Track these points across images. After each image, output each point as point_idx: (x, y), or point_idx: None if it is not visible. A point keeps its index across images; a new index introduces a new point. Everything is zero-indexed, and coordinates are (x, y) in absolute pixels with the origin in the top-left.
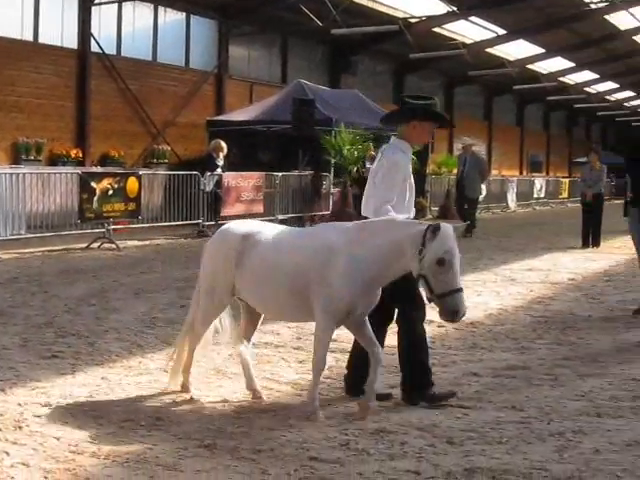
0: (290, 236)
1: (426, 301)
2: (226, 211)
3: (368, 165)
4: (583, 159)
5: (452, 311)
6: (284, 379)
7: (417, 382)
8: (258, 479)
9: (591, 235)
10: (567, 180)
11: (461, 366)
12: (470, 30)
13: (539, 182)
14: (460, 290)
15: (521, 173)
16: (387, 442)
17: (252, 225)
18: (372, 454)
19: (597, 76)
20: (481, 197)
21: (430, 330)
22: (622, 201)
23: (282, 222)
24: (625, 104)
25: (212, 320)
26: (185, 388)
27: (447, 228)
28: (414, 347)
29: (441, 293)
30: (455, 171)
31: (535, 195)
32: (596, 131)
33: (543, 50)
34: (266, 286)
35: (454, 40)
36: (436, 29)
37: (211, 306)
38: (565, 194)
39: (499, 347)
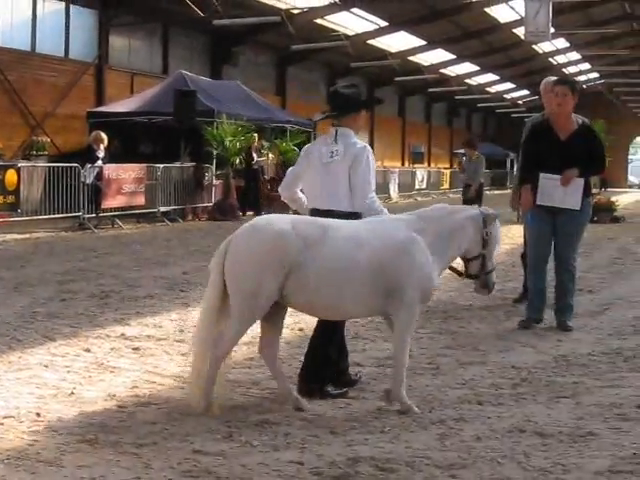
0: (356, 233)
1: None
2: (107, 203)
3: (256, 157)
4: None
5: (493, 284)
6: (167, 372)
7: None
8: (141, 473)
9: None
10: (448, 171)
11: None
12: (352, 22)
13: (421, 173)
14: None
15: (403, 164)
16: (271, 433)
17: (298, 221)
18: (256, 446)
19: (478, 68)
20: None
21: (313, 321)
22: (502, 192)
23: (164, 214)
24: (505, 96)
25: (246, 331)
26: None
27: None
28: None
29: (490, 270)
30: None
31: (417, 186)
32: (477, 122)
33: (424, 42)
34: (344, 287)
35: (336, 32)
36: (318, 20)
37: (251, 315)
38: (446, 185)
39: (381, 337)
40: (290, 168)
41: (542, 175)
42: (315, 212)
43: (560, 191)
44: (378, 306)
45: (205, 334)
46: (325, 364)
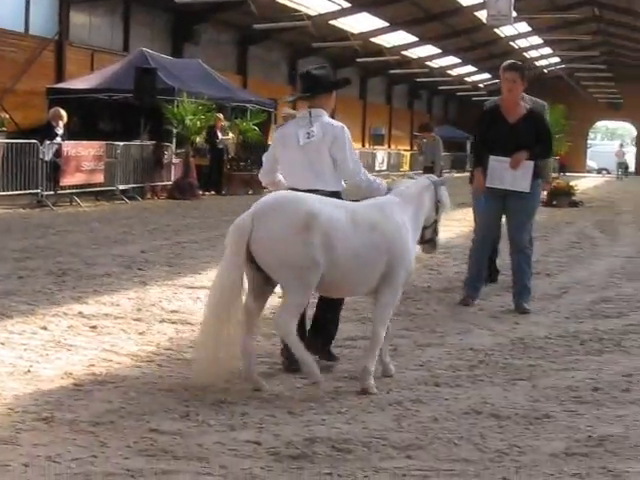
0: (368, 216)
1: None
2: (65, 180)
3: (221, 136)
4: None
5: (438, 245)
6: (124, 351)
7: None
8: (97, 451)
9: None
10: (408, 153)
11: None
12: (314, 2)
13: (381, 155)
14: None
15: (363, 146)
16: (228, 413)
17: (319, 201)
18: (212, 425)
19: (439, 51)
20: None
21: (272, 300)
22: (461, 174)
23: (123, 192)
24: (466, 79)
25: (307, 301)
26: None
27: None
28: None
29: (437, 232)
30: None
31: (377, 167)
32: (438, 105)
33: (386, 24)
34: (365, 269)
35: (298, 11)
36: (281, 0)
37: (308, 287)
38: (406, 167)
39: (340, 318)
40: (265, 154)
41: (492, 158)
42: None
43: (510, 174)
44: (374, 286)
45: (227, 313)
46: (333, 326)
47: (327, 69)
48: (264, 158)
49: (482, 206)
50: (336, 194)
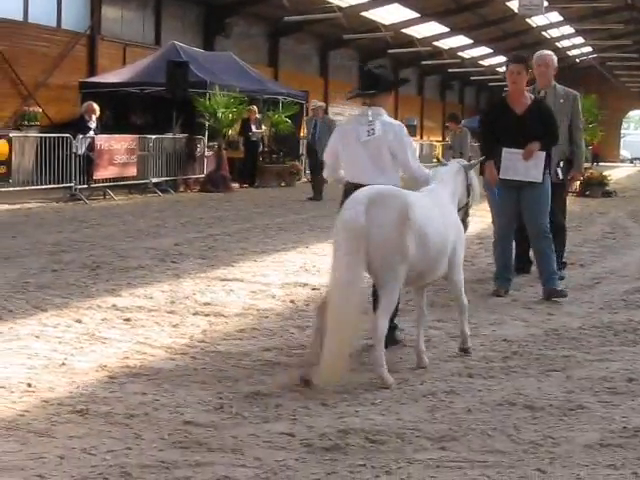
0: (435, 207)
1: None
2: (99, 174)
3: (254, 129)
4: None
5: (468, 226)
6: (157, 343)
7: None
8: (132, 444)
9: None
10: (440, 144)
11: None
12: None
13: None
14: None
15: None
16: (261, 405)
17: (405, 194)
18: (246, 417)
19: (471, 41)
20: None
21: (304, 293)
22: None
23: (156, 185)
24: (498, 69)
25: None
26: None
27: None
28: None
29: (467, 214)
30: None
31: None
32: (470, 95)
33: (418, 14)
34: (444, 252)
35: (329, 3)
36: None
37: (401, 282)
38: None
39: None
40: (325, 152)
41: (505, 150)
42: (359, 187)
43: (522, 165)
44: (446, 269)
45: (353, 315)
46: (395, 312)
47: (387, 68)
48: (325, 156)
49: (496, 198)
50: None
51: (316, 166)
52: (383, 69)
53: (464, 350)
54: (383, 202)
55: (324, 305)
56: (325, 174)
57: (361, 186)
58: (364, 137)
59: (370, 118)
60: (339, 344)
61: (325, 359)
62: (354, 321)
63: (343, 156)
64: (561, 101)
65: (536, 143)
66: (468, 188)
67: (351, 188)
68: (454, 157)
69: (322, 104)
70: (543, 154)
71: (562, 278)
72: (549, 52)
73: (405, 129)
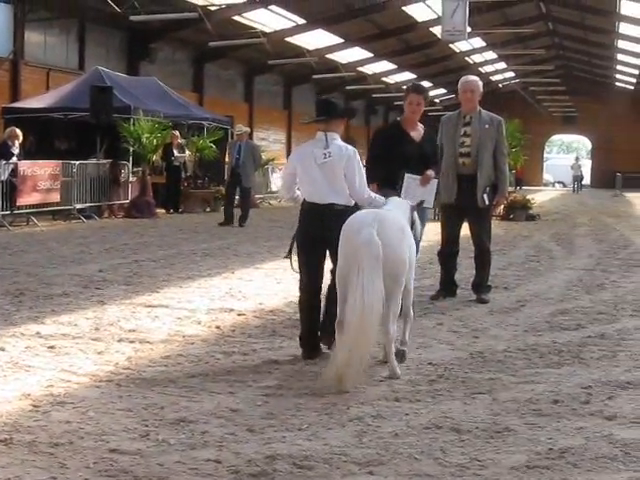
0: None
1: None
2: (22, 200)
3: (177, 154)
4: None
5: None
6: (82, 371)
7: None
8: (56, 473)
9: None
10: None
11: (261, 354)
12: (270, 19)
13: None
14: None
15: None
16: (188, 432)
17: (393, 213)
18: (173, 444)
19: (395, 66)
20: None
21: (230, 318)
22: None
23: (80, 211)
24: None
25: None
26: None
27: None
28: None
29: None
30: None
31: None
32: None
33: (342, 40)
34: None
35: (254, 29)
36: (236, 17)
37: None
38: None
39: (299, 334)
40: (282, 172)
41: (407, 175)
42: (314, 205)
43: (420, 190)
44: None
45: (376, 323)
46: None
47: (338, 100)
48: (282, 176)
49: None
50: (348, 207)
51: (242, 190)
52: (336, 100)
53: (401, 354)
54: (386, 224)
55: (344, 319)
56: (280, 193)
57: (316, 205)
58: (321, 160)
59: (326, 142)
60: (359, 348)
61: (350, 364)
62: (375, 331)
63: (300, 177)
64: (486, 126)
65: (432, 170)
66: (412, 225)
67: (307, 207)
68: None
69: (247, 129)
70: (436, 181)
71: (486, 301)
72: (474, 78)
73: (357, 154)
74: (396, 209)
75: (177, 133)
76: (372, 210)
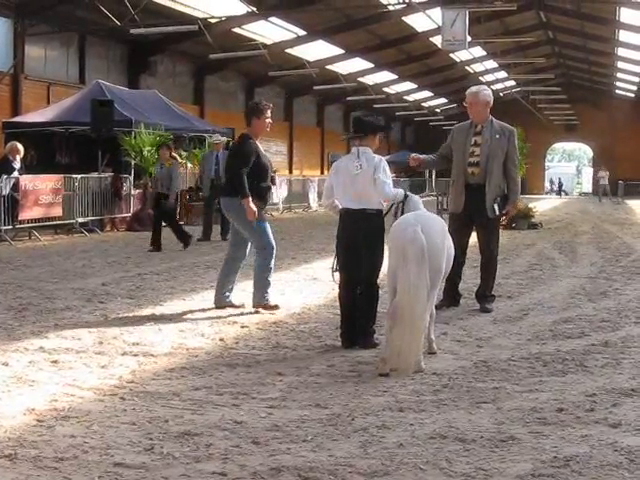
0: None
1: None
2: (24, 215)
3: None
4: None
5: None
6: (86, 385)
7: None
8: None
9: None
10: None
11: (265, 366)
12: (270, 31)
13: None
14: None
15: (322, 173)
16: (192, 445)
17: (434, 215)
18: (177, 457)
19: (396, 77)
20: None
21: (234, 330)
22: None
23: (82, 225)
24: (423, 104)
25: None
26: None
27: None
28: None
29: None
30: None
31: None
32: (395, 130)
33: (342, 51)
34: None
35: (254, 41)
36: (236, 29)
37: None
38: None
39: (302, 346)
40: (325, 184)
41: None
42: (348, 211)
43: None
44: None
45: (424, 310)
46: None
47: (374, 116)
48: (325, 186)
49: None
50: (379, 212)
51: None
52: (371, 117)
53: (431, 354)
54: (428, 223)
55: (394, 310)
56: (321, 202)
57: (352, 210)
58: (354, 171)
59: (358, 156)
60: (413, 335)
61: (400, 349)
62: (424, 317)
63: (336, 187)
64: (497, 136)
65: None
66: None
67: (343, 213)
68: None
69: (224, 138)
70: None
71: (489, 311)
72: (481, 90)
73: (384, 161)
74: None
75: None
76: (416, 212)
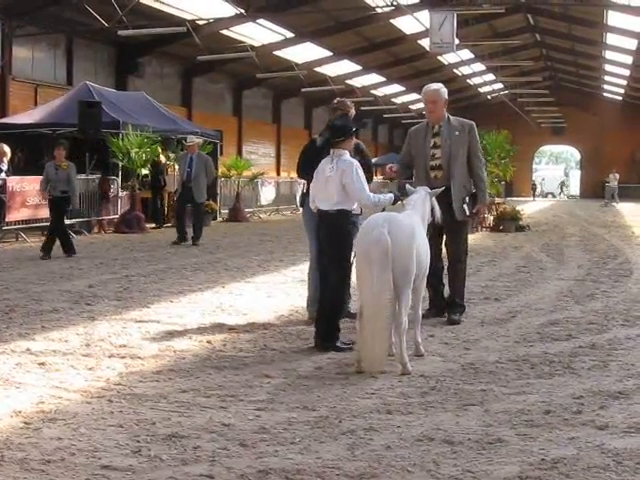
0: (415, 222)
1: None
2: (11, 216)
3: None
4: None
5: None
6: (73, 387)
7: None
8: None
9: None
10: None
11: (252, 368)
12: (258, 33)
13: None
14: None
15: None
16: (179, 447)
17: (403, 217)
18: (165, 460)
19: (383, 79)
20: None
21: (221, 333)
22: None
23: (70, 227)
24: (411, 107)
25: None
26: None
27: None
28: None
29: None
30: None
31: None
32: (383, 133)
33: (330, 53)
34: (424, 263)
35: (242, 43)
36: (224, 31)
37: None
38: None
39: (290, 348)
40: (311, 185)
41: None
42: (320, 211)
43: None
44: None
45: (386, 309)
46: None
47: (345, 119)
48: (311, 188)
49: None
50: (342, 212)
51: (194, 205)
52: (343, 120)
53: (418, 356)
54: (397, 225)
55: (359, 311)
56: (309, 204)
57: (324, 211)
58: (327, 173)
59: (331, 159)
60: (376, 335)
61: (367, 348)
62: (386, 318)
63: (313, 189)
64: (456, 133)
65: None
66: (432, 211)
67: (317, 213)
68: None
69: (199, 140)
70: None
71: (457, 322)
72: (436, 87)
73: (355, 164)
74: (414, 209)
75: (159, 149)
76: (385, 213)
